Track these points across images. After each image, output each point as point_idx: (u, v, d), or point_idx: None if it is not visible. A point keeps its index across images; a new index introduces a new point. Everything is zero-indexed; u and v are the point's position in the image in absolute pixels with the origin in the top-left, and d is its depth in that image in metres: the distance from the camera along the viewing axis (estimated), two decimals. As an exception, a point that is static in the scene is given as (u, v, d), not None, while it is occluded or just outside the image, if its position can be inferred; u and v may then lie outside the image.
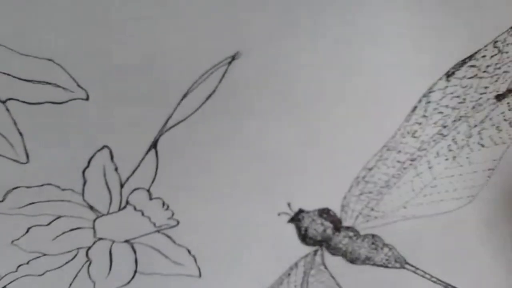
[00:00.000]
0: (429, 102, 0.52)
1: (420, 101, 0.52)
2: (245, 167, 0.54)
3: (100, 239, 0.55)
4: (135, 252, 0.56)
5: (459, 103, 0.52)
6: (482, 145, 0.55)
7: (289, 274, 0.58)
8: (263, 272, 0.57)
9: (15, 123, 0.48)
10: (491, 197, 0.56)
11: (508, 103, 0.53)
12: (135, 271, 0.56)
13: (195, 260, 0.56)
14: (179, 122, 0.51)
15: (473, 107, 0.53)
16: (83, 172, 0.52)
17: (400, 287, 0.59)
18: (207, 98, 0.50)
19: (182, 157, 0.52)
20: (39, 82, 0.47)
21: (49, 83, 0.47)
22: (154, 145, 0.52)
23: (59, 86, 0.48)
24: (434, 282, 0.59)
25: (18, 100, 0.47)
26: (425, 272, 0.59)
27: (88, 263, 0.55)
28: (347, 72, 0.50)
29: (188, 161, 0.53)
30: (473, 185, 0.56)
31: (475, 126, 0.54)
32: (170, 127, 0.51)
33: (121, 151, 0.51)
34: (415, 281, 0.59)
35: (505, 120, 0.54)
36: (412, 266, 0.58)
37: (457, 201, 0.57)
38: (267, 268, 0.57)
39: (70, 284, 0.56)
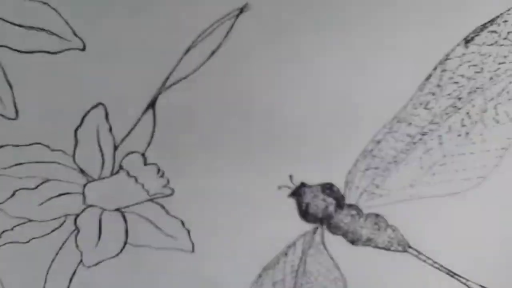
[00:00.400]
0: (444, 70, 0.49)
1: (435, 68, 0.48)
2: (246, 135, 0.49)
3: (89, 206, 0.51)
4: (126, 221, 0.51)
5: (476, 72, 0.49)
6: (497, 121, 0.51)
7: (286, 253, 0.54)
8: (260, 250, 0.53)
9: (4, 73, 0.44)
10: (504, 180, 0.53)
11: (527, 74, 0.49)
12: (125, 242, 0.52)
13: (189, 234, 0.52)
14: (179, 80, 0.47)
15: (491, 78, 0.49)
16: (76, 131, 0.48)
17: (401, 272, 0.55)
18: (211, 55, 0.46)
19: (181, 120, 0.48)
20: (32, 28, 0.43)
21: (43, 30, 0.43)
22: (152, 104, 0.47)
23: (53, 34, 0.44)
24: (437, 268, 0.55)
25: (8, 47, 0.43)
26: (428, 257, 0.54)
27: (76, 231, 0.51)
28: (353, 34, 0.47)
29: (187, 124, 0.48)
30: (484, 164, 0.52)
31: (491, 99, 0.50)
32: (170, 85, 0.47)
33: (116, 110, 0.47)
34: (417, 266, 0.55)
35: (523, 94, 0.50)
36: (415, 250, 0.54)
37: (467, 182, 0.53)
38: (264, 246, 0.53)
39: (56, 254, 0.51)
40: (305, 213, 0.52)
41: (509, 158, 0.52)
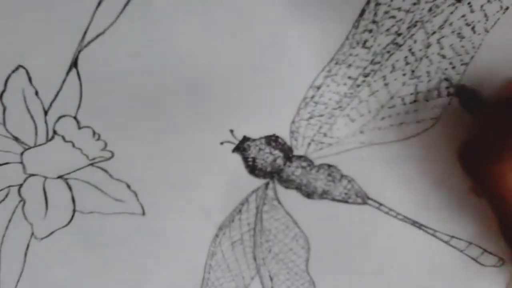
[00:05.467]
0: (378, 4, 0.40)
1: (368, 3, 0.39)
2: (179, 90, 0.41)
3: (31, 175, 0.43)
4: (70, 189, 0.44)
5: (413, 4, 0.39)
6: (443, 56, 0.42)
7: (240, 211, 0.46)
8: (212, 208, 0.45)
9: None
10: (457, 119, 0.44)
11: (469, 3, 0.40)
12: (74, 210, 0.44)
13: (136, 196, 0.44)
14: (98, 36, 0.39)
15: (430, 9, 0.40)
16: (1, 96, 0.40)
17: (363, 225, 0.46)
18: (126, 5, 0.38)
19: (108, 78, 0.40)
20: None
21: None
22: (74, 63, 0.40)
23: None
24: (402, 220, 0.46)
25: None
26: (390, 209, 0.46)
27: (22, 203, 0.44)
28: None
29: (115, 82, 0.41)
30: (435, 105, 0.43)
31: (434, 33, 0.41)
32: (89, 42, 0.39)
33: (39, 73, 0.40)
34: (380, 218, 0.46)
35: (467, 25, 0.40)
36: (375, 201, 0.46)
37: (419, 124, 0.44)
38: (216, 203, 0.45)
39: (6, 228, 0.45)
40: (252, 168, 0.44)
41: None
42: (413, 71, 0.36)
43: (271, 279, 0.42)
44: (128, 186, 0.39)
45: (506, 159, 0.30)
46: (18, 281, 0.41)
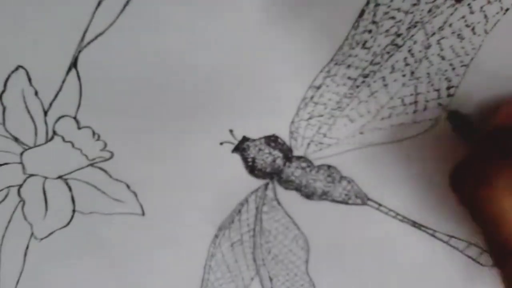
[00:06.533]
0: (378, 4, 0.40)
1: (367, 3, 0.39)
2: (180, 88, 0.42)
3: (30, 175, 0.43)
4: (70, 189, 0.43)
5: (413, 5, 0.39)
6: (443, 57, 0.42)
7: (239, 211, 0.46)
8: (212, 208, 0.45)
9: None
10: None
11: (469, 4, 0.40)
12: (74, 211, 0.44)
13: (136, 196, 0.44)
14: (97, 36, 0.39)
15: (429, 10, 0.40)
16: (1, 96, 0.40)
17: (363, 226, 0.46)
18: (125, 5, 0.38)
19: (107, 78, 0.40)
20: None
21: None
22: (74, 64, 0.40)
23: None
24: (401, 220, 0.46)
25: None
26: (389, 209, 0.46)
27: (21, 203, 0.44)
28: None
29: (115, 82, 0.41)
30: (435, 106, 0.43)
31: (433, 34, 0.41)
32: (89, 42, 0.39)
33: (38, 73, 0.40)
34: (380, 219, 0.46)
35: (467, 26, 0.40)
36: (375, 202, 0.46)
37: (419, 125, 0.44)
38: (216, 204, 0.45)
39: (6, 228, 0.45)
40: (252, 169, 0.44)
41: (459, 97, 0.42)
42: (412, 72, 0.36)
43: (271, 280, 0.42)
44: (128, 186, 0.39)
45: (495, 184, 0.30)
46: (18, 281, 0.41)
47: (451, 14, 0.35)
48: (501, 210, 0.31)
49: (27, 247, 0.42)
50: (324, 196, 0.40)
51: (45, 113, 0.36)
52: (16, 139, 0.37)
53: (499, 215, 0.31)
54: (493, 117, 0.35)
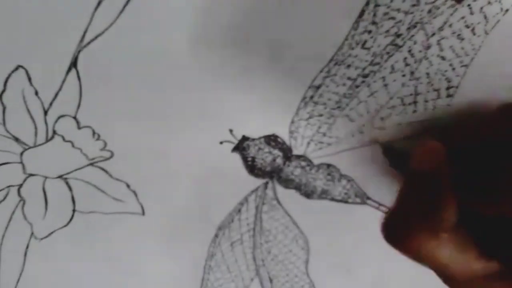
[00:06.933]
0: (378, 5, 0.40)
1: (367, 4, 0.39)
2: (180, 87, 0.42)
3: (30, 175, 0.43)
4: (70, 189, 0.44)
5: (413, 5, 0.39)
6: (443, 58, 0.42)
7: (239, 211, 0.46)
8: (212, 208, 0.45)
9: None
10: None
11: (469, 5, 0.40)
12: (74, 210, 0.45)
13: (136, 196, 0.44)
14: (97, 36, 0.39)
15: (429, 11, 0.40)
16: (1, 96, 0.40)
17: (362, 226, 0.46)
18: (125, 5, 0.38)
19: (107, 78, 0.40)
20: None
21: None
22: (74, 64, 0.40)
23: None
24: None
25: None
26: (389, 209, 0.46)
27: (21, 203, 0.44)
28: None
29: (115, 82, 0.41)
30: (435, 105, 0.43)
31: (433, 34, 0.41)
32: (89, 42, 0.39)
33: (38, 73, 0.40)
34: (379, 218, 0.46)
35: (467, 26, 0.41)
36: (374, 201, 0.46)
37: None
38: (216, 203, 0.45)
39: (6, 228, 0.45)
40: (252, 168, 0.44)
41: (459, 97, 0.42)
42: (412, 73, 0.36)
43: (271, 280, 0.42)
44: (128, 186, 0.39)
45: (418, 233, 0.30)
46: (18, 281, 0.41)
47: (451, 14, 0.35)
48: (427, 253, 0.31)
49: (27, 247, 0.42)
50: (324, 195, 0.40)
51: (45, 112, 0.36)
52: (16, 139, 0.37)
53: (428, 259, 0.31)
54: (411, 161, 0.34)
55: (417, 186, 0.32)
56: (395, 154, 0.37)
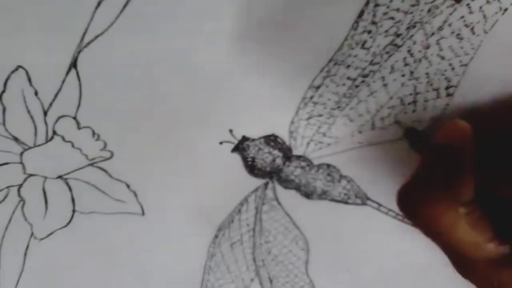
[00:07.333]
0: (377, 5, 0.40)
1: (367, 4, 0.40)
2: (180, 88, 0.42)
3: (30, 175, 0.43)
4: (70, 189, 0.44)
5: (412, 5, 0.40)
6: (442, 57, 0.42)
7: (239, 211, 0.46)
8: (212, 208, 0.45)
9: None
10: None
11: (468, 4, 0.40)
12: (74, 211, 0.45)
13: (136, 196, 0.44)
14: (97, 37, 0.39)
15: (429, 11, 0.40)
16: (1, 96, 0.41)
17: (363, 226, 0.46)
18: (125, 5, 0.39)
19: (107, 78, 0.40)
20: None
21: None
22: (74, 64, 0.40)
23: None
24: (400, 220, 0.46)
25: None
26: (389, 209, 0.46)
27: (21, 203, 0.44)
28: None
29: (114, 82, 0.41)
30: (434, 105, 0.44)
31: (433, 34, 0.41)
32: (88, 43, 0.39)
33: (38, 73, 0.40)
34: (379, 219, 0.47)
35: (466, 26, 0.41)
36: (374, 202, 0.46)
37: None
38: (216, 203, 0.45)
39: (6, 228, 0.45)
40: (252, 168, 0.44)
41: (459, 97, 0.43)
42: (412, 72, 0.36)
43: (271, 281, 0.42)
44: (128, 186, 0.39)
45: (436, 202, 0.31)
46: (18, 281, 0.41)
47: (450, 14, 0.35)
48: (445, 227, 0.31)
49: (27, 247, 0.42)
50: (324, 195, 0.40)
51: (45, 113, 0.37)
52: (16, 139, 0.37)
53: (445, 232, 0.31)
54: (436, 135, 0.35)
55: (440, 158, 0.32)
56: (416, 136, 0.37)
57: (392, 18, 0.35)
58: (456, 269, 0.34)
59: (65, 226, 0.40)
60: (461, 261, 0.32)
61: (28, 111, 0.36)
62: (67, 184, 0.39)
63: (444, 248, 0.33)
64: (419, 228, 0.33)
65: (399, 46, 0.36)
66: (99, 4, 0.33)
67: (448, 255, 0.33)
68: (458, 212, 0.31)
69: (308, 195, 0.40)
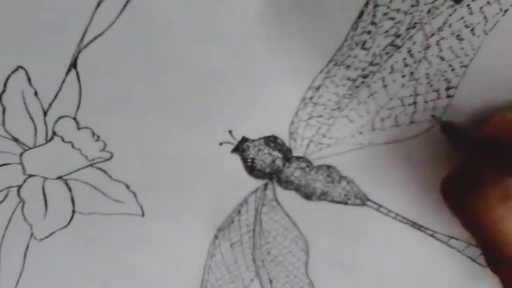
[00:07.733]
0: (377, 5, 0.40)
1: (366, 4, 0.40)
2: (180, 89, 0.42)
3: (30, 176, 0.43)
4: (70, 190, 0.44)
5: (412, 6, 0.40)
6: (442, 58, 0.42)
7: (239, 212, 0.46)
8: (212, 209, 0.45)
9: None
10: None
11: (468, 5, 0.40)
12: (73, 211, 0.44)
13: (136, 197, 0.44)
14: (96, 37, 0.39)
15: (429, 11, 0.40)
16: (0, 96, 0.41)
17: (363, 227, 0.46)
18: (125, 5, 0.39)
19: (107, 78, 0.41)
20: None
21: None
22: (73, 64, 0.40)
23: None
24: (400, 221, 0.46)
25: None
26: (389, 210, 0.46)
27: (21, 203, 0.44)
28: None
29: (115, 83, 0.41)
30: (435, 106, 0.43)
31: (433, 35, 0.41)
32: (88, 43, 0.39)
33: (38, 73, 0.40)
34: (379, 220, 0.46)
35: (466, 27, 0.41)
36: (374, 203, 0.46)
37: (418, 125, 0.44)
38: (215, 204, 0.45)
39: (6, 229, 0.45)
40: (251, 169, 0.44)
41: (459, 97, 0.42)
42: (412, 73, 0.36)
43: (271, 281, 0.42)
44: (128, 187, 0.39)
45: (487, 194, 0.31)
46: (18, 281, 0.41)
47: (450, 15, 0.35)
48: (492, 220, 0.31)
49: (27, 248, 0.42)
50: (324, 196, 0.40)
51: (45, 113, 0.37)
52: (16, 140, 0.37)
53: (490, 225, 0.31)
54: (483, 128, 0.35)
55: (491, 151, 0.33)
56: (454, 131, 0.37)
57: (392, 19, 0.35)
58: (490, 266, 0.33)
59: (65, 226, 0.40)
60: (497, 255, 0.32)
61: (28, 112, 0.36)
62: (67, 184, 0.39)
63: (483, 241, 0.33)
64: (461, 219, 0.33)
65: (399, 47, 0.36)
66: (99, 4, 0.33)
67: (485, 249, 0.33)
68: (508, 205, 0.31)
69: (308, 196, 0.40)
